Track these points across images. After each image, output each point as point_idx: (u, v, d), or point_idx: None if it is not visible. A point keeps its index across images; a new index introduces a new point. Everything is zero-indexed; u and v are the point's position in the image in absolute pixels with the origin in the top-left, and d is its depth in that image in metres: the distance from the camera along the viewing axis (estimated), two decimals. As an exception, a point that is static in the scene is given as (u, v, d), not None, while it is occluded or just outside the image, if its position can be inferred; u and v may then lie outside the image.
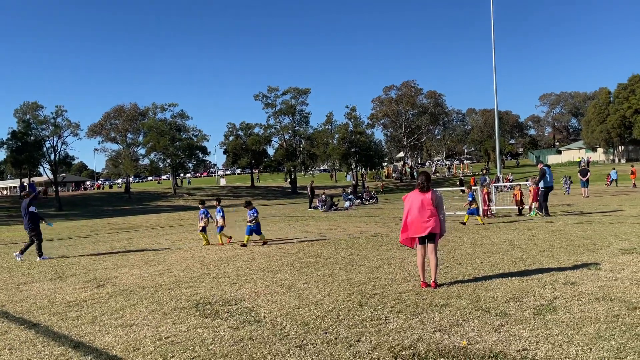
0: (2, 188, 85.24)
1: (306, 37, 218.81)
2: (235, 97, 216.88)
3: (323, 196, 27.63)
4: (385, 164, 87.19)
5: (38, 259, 11.27)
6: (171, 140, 55.34)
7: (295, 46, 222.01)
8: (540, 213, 16.03)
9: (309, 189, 30.92)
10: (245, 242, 12.06)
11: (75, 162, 74.28)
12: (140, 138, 63.71)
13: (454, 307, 5.45)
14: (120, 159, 70.49)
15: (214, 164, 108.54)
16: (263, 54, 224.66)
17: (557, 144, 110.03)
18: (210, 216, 13.11)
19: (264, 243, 12.25)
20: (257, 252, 10.94)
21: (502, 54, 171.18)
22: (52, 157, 47.51)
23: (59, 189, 47.36)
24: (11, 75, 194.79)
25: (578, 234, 10.99)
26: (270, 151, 68.03)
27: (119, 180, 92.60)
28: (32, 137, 46.36)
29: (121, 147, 70.27)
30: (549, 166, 16.48)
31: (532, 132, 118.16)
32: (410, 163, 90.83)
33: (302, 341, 4.57)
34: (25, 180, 54.17)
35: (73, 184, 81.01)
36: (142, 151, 64.30)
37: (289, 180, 63.41)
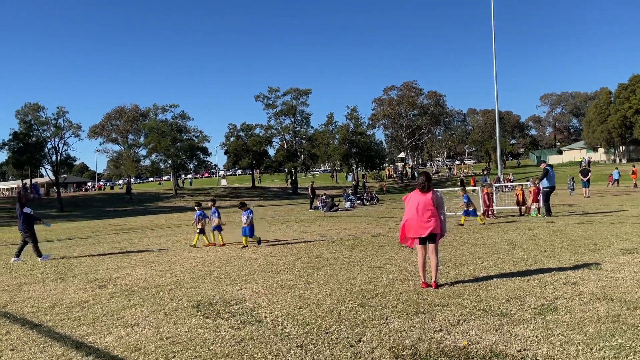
0: (4, 189, 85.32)
1: (306, 37, 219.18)
2: (236, 98, 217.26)
3: (324, 197, 27.63)
4: (386, 164, 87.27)
5: (39, 260, 11.29)
6: (172, 141, 55.36)
7: (296, 46, 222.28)
8: (539, 214, 16.02)
9: (309, 189, 30.92)
10: (244, 243, 12.10)
11: (77, 163, 74.27)
12: (142, 139, 63.66)
13: (455, 307, 5.45)
14: (121, 160, 70.51)
15: (215, 165, 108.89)
16: (263, 54, 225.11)
17: (558, 144, 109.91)
18: (207, 217, 13.18)
19: (258, 243, 12.29)
20: (258, 252, 10.96)
21: (502, 54, 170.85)
22: (54, 158, 47.57)
23: (61, 190, 47.41)
24: (12, 76, 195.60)
25: (579, 234, 10.99)
26: (271, 152, 68.09)
27: (120, 181, 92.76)
28: (33, 138, 46.36)
29: (122, 148, 70.28)
30: (551, 166, 16.37)
31: (533, 132, 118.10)
32: (411, 163, 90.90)
33: (303, 341, 4.58)
34: (27, 182, 54.27)
35: (74, 185, 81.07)
36: (143, 152, 64.41)
37: (289, 181, 63.39)
